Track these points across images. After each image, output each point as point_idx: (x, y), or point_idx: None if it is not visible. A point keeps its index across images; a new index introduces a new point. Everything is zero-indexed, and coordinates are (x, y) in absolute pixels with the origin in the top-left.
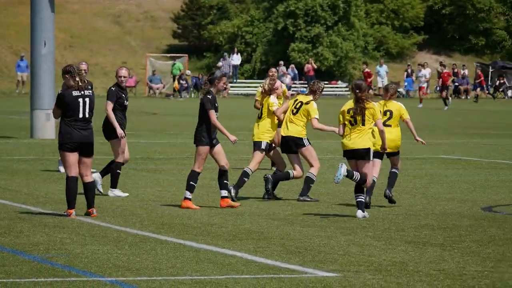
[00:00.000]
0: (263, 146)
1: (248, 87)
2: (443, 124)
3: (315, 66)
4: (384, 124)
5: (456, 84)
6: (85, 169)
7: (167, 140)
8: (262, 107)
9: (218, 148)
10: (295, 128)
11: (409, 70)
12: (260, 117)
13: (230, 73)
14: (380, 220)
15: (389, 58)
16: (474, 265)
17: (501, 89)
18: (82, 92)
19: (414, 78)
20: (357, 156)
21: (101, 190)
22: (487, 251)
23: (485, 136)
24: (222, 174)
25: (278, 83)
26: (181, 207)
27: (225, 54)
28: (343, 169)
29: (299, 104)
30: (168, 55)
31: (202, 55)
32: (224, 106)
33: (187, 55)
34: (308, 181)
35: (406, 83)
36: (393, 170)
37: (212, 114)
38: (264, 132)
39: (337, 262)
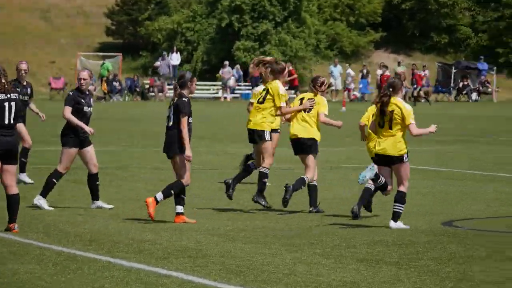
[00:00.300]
0: (266, 136)
1: None
2: None
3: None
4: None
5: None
6: (9, 178)
7: (98, 148)
8: (266, 92)
9: (182, 158)
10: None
11: (365, 71)
12: (261, 102)
13: (169, 74)
14: (329, 235)
15: (343, 58)
16: (432, 285)
17: (464, 92)
18: (8, 96)
19: (369, 79)
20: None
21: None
22: (446, 269)
23: (445, 143)
24: (182, 188)
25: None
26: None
27: (164, 53)
28: (371, 173)
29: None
30: (101, 54)
31: (138, 54)
32: (162, 112)
33: (121, 54)
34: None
35: (361, 85)
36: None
37: (185, 120)
38: (265, 121)
39: (281, 282)
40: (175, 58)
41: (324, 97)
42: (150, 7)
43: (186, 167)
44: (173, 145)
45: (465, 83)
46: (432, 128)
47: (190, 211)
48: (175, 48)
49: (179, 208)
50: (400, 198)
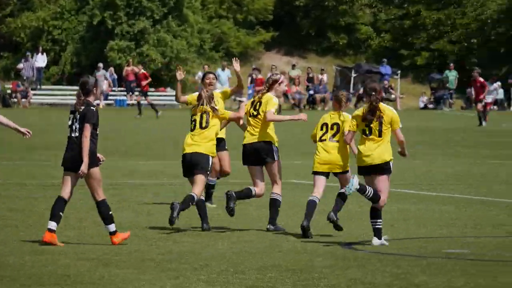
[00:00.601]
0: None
1: (55, 95)
2: (294, 141)
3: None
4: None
5: (311, 92)
6: None
7: None
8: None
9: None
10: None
11: (254, 75)
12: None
13: (33, 78)
14: (216, 259)
15: (229, 60)
16: None
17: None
18: None
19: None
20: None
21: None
22: None
23: None
24: (101, 204)
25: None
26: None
27: (28, 53)
28: (355, 180)
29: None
30: None
31: None
32: (23, 118)
33: None
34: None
35: (250, 91)
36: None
37: (89, 130)
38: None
39: None
40: (40, 60)
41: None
42: (12, 1)
43: (100, 182)
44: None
45: None
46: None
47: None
48: (40, 48)
49: (112, 227)
50: (377, 213)
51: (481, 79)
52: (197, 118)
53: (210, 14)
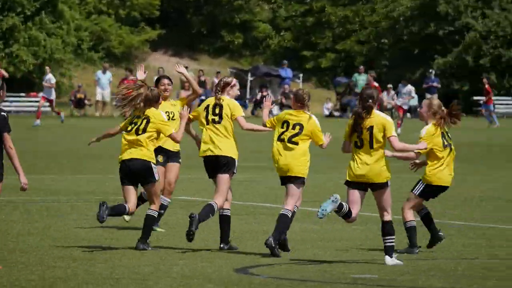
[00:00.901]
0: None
1: None
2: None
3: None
4: (290, 141)
5: (203, 98)
6: None
7: None
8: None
9: None
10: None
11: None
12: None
13: None
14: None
15: (111, 61)
16: None
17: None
18: None
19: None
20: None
21: None
22: None
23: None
24: None
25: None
26: None
27: None
28: (334, 206)
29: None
30: None
31: None
32: None
33: None
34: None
35: None
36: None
37: (9, 138)
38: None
39: None
40: None
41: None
42: None
43: None
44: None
45: (265, 94)
46: (422, 145)
47: None
48: None
49: None
50: (390, 229)
51: (376, 84)
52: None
53: (88, 10)
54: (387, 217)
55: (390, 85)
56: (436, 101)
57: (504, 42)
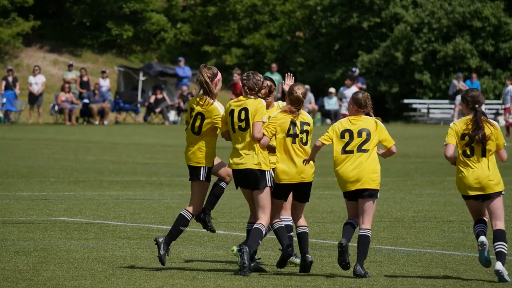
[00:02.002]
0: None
1: None
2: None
3: None
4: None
5: (86, 101)
6: None
7: None
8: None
9: None
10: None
11: (11, 78)
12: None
13: None
14: None
15: None
16: None
17: (158, 109)
18: None
19: (18, 90)
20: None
21: None
22: None
23: (124, 185)
24: None
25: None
26: None
27: None
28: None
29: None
30: None
31: None
32: None
33: None
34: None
35: (4, 100)
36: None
37: None
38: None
39: None
40: None
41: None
42: None
43: None
44: None
45: (159, 96)
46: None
47: None
48: None
49: None
50: (503, 235)
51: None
52: None
53: None
54: (501, 225)
55: (306, 87)
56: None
57: (440, 36)
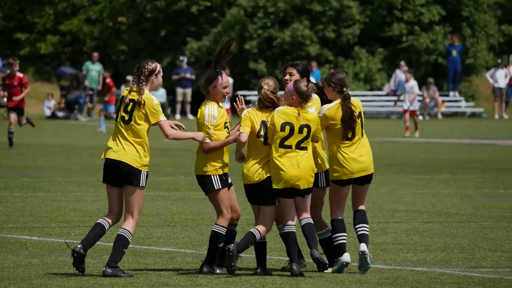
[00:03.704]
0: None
1: None
2: None
3: None
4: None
5: None
6: None
7: None
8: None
9: None
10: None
11: None
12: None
13: None
14: None
15: None
16: None
17: None
18: None
19: None
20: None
21: None
22: None
23: None
24: None
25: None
26: None
27: None
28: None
29: None
30: None
31: None
32: None
33: None
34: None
35: None
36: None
37: None
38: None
39: None
40: None
41: None
42: None
43: None
44: None
45: None
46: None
47: None
48: None
49: None
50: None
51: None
52: None
53: None
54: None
55: (129, 78)
56: None
57: (276, 21)
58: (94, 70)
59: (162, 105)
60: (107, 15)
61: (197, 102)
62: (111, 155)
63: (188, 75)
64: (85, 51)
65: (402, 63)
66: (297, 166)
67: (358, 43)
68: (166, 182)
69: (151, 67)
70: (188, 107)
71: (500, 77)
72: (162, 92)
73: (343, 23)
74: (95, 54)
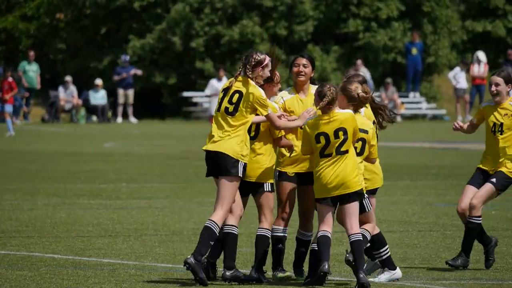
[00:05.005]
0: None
1: None
2: None
3: None
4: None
5: None
6: None
7: None
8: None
9: None
10: None
11: None
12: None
13: None
14: None
15: None
16: None
17: None
18: None
19: None
20: None
21: None
22: None
23: None
24: None
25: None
26: None
27: None
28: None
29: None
30: None
31: None
32: None
33: None
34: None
35: None
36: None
37: None
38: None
39: None
40: None
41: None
42: None
43: None
44: None
45: None
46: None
47: None
48: None
49: None
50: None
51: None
52: None
53: None
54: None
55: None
56: None
57: (224, 18)
58: (31, 70)
59: (102, 108)
60: (44, 11)
61: (140, 104)
62: (210, 146)
63: (133, 71)
64: (21, 50)
65: (359, 62)
66: (338, 174)
67: (311, 40)
68: (107, 190)
69: (259, 58)
70: (130, 110)
71: (462, 78)
72: (102, 93)
73: (295, 19)
74: (32, 53)
